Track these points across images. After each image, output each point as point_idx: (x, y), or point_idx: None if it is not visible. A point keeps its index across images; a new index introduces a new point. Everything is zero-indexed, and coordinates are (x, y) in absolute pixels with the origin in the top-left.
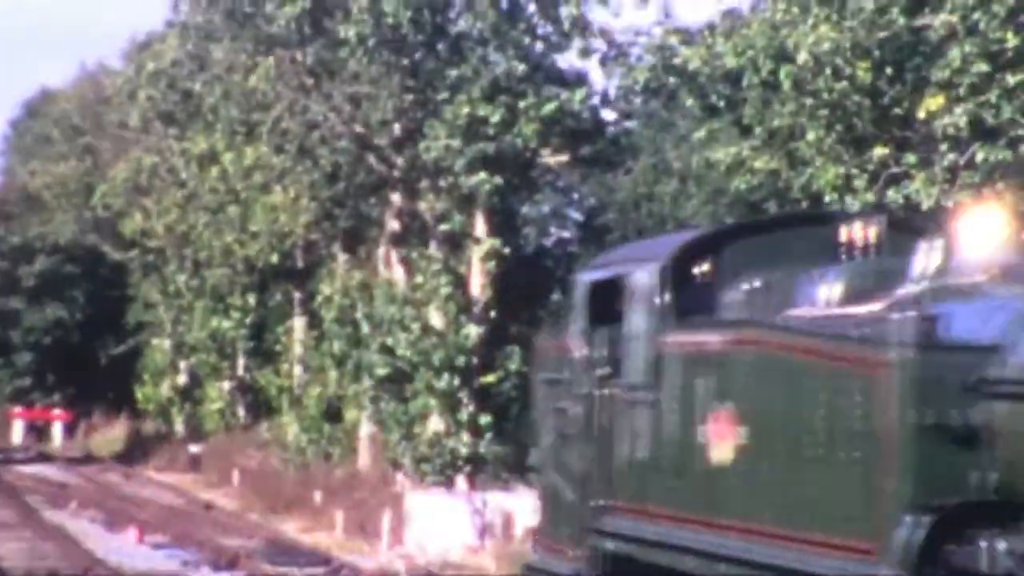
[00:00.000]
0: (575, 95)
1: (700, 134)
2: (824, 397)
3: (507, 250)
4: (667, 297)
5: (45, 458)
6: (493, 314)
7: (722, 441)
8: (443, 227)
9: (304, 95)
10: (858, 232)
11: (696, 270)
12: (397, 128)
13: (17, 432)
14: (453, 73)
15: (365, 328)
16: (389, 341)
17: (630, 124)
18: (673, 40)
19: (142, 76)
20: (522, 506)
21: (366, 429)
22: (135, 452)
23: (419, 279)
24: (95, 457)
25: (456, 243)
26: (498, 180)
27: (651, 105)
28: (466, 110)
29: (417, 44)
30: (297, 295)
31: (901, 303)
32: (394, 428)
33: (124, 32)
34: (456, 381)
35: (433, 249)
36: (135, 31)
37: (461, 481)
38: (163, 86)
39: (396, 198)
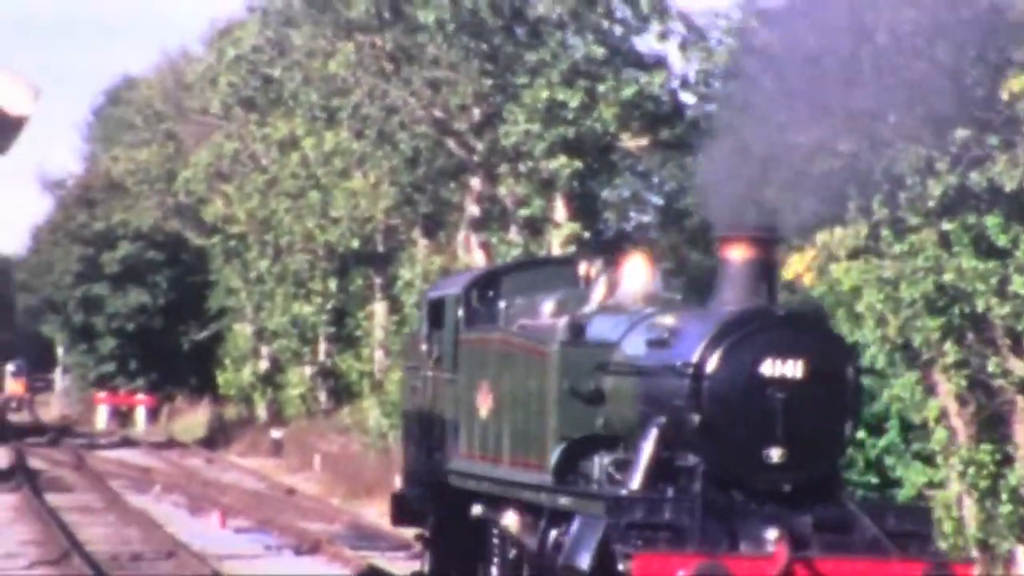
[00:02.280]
0: (654, 78)
1: (781, 117)
2: (522, 372)
3: (587, 234)
4: (461, 312)
5: (129, 443)
6: None
7: (484, 403)
8: (523, 212)
9: (384, 80)
10: (583, 269)
11: (482, 294)
12: (476, 113)
13: (101, 417)
14: (532, 57)
15: None
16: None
17: (709, 107)
18: (753, 22)
19: (223, 62)
20: None
21: None
22: (217, 437)
23: (498, 263)
24: (178, 442)
25: (536, 228)
26: (578, 164)
27: (731, 88)
28: (545, 94)
29: (496, 28)
30: (378, 280)
31: (572, 316)
32: None
33: (205, 18)
34: None
35: (513, 234)
36: (216, 17)
37: None
38: (244, 72)
39: (476, 183)
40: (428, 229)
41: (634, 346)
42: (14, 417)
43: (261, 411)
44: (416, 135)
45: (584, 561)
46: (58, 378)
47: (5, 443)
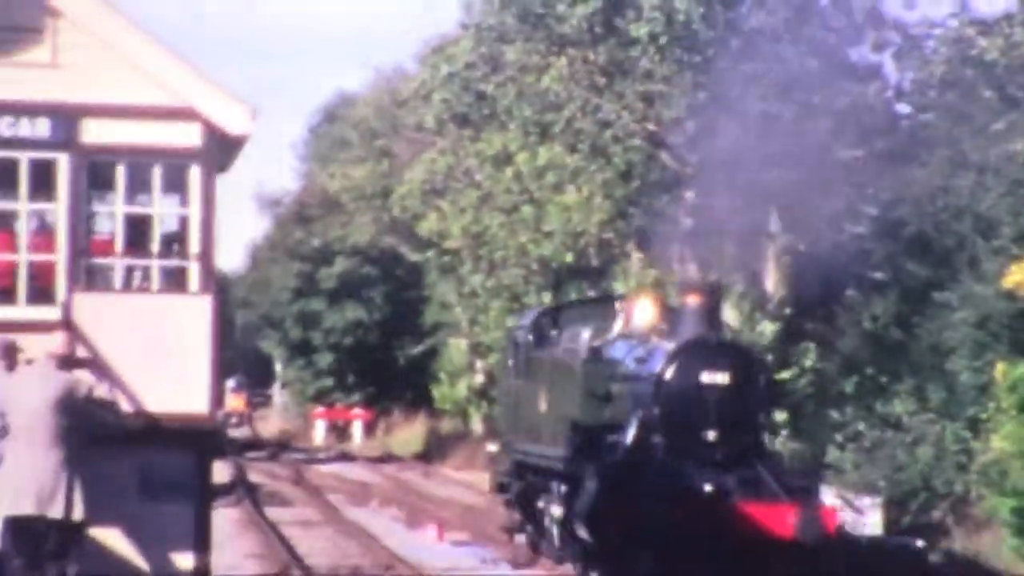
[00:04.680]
0: (869, 89)
1: (999, 126)
2: (561, 381)
3: (801, 246)
4: (530, 337)
5: (346, 457)
6: (788, 311)
7: (542, 402)
8: (737, 223)
9: (596, 94)
10: (619, 306)
11: (545, 324)
12: (690, 125)
13: (319, 432)
14: (745, 69)
15: None
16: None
17: (925, 117)
18: (969, 31)
19: (437, 79)
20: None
21: None
22: (433, 451)
23: (713, 276)
24: (394, 456)
25: (751, 239)
26: (792, 175)
27: (947, 97)
28: (759, 106)
29: (709, 41)
30: (592, 293)
31: (594, 342)
32: None
33: (418, 36)
34: None
35: (727, 246)
36: (429, 35)
37: None
38: (457, 88)
39: (690, 195)
40: (642, 242)
41: (629, 362)
42: (235, 432)
43: (477, 425)
44: (629, 148)
45: (585, 505)
46: (276, 393)
47: (226, 458)
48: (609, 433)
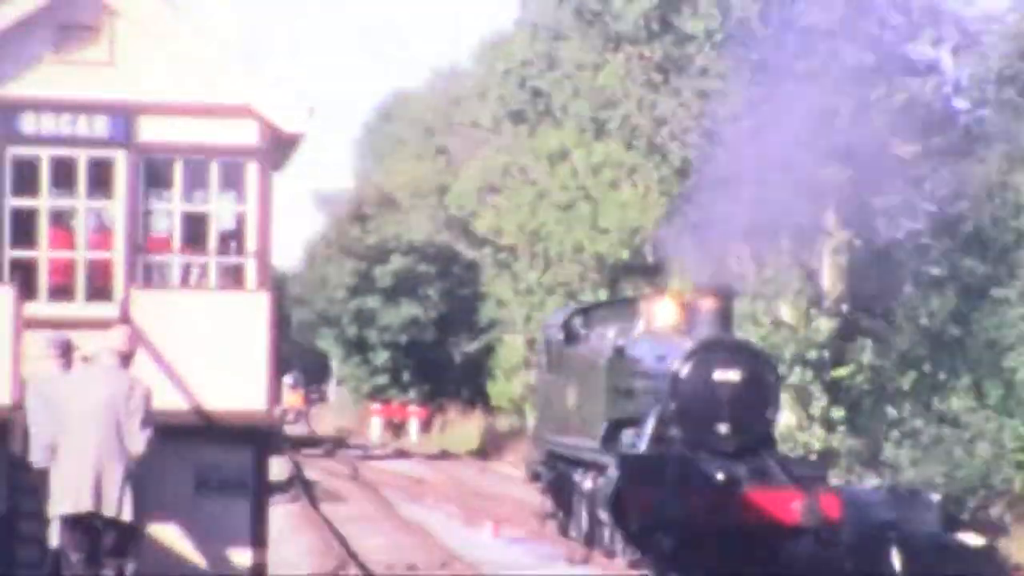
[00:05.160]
0: (926, 84)
1: None
2: (588, 377)
3: (858, 243)
4: (561, 335)
5: (402, 454)
6: (844, 307)
7: (571, 397)
8: (793, 220)
9: (652, 91)
10: (640, 307)
11: (575, 323)
12: (746, 121)
13: (375, 429)
14: (801, 65)
15: None
16: (740, 335)
17: (982, 112)
18: None
19: (493, 76)
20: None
21: None
22: (489, 448)
23: (769, 273)
24: (450, 453)
25: (807, 236)
26: (848, 172)
27: (1005, 92)
28: (815, 102)
29: (765, 37)
30: (648, 290)
31: (618, 341)
32: None
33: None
34: (808, 375)
35: (784, 242)
36: (485, 32)
37: None
38: (513, 85)
39: (746, 192)
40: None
41: (649, 360)
42: (291, 429)
43: (532, 421)
44: (686, 145)
45: (607, 492)
46: (332, 390)
47: (283, 454)
48: (631, 425)
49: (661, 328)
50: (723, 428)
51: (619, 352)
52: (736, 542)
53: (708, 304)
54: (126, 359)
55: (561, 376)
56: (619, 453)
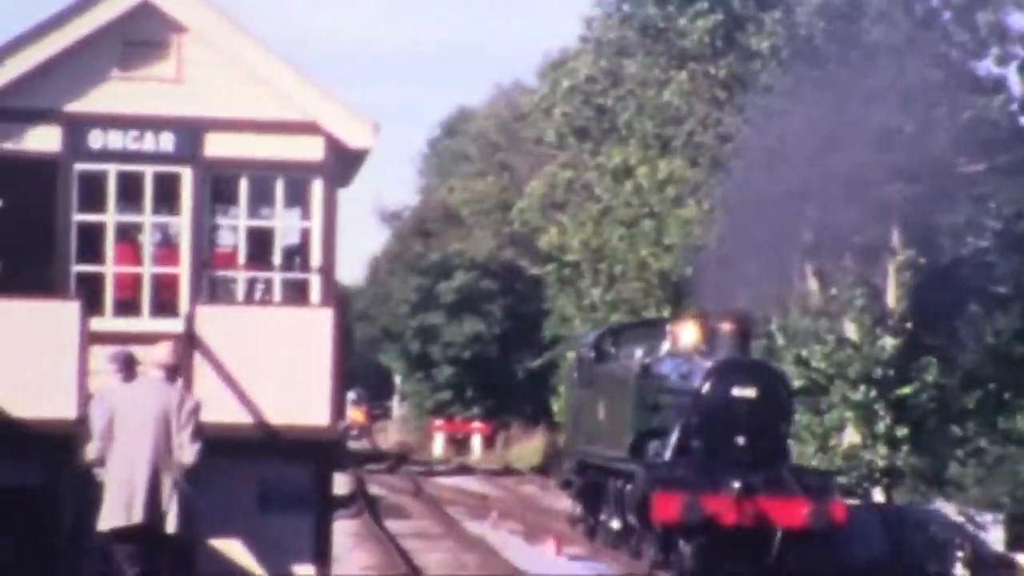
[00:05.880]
0: (992, 102)
1: None
2: (617, 392)
3: (923, 261)
4: (592, 354)
5: (465, 470)
6: (909, 325)
7: (601, 411)
8: (858, 238)
9: (717, 108)
10: (667, 329)
11: (606, 343)
12: (811, 139)
13: (438, 444)
14: (867, 83)
15: (780, 340)
16: (804, 353)
17: None
18: None
19: (557, 93)
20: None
21: None
22: (552, 464)
23: (833, 291)
24: (513, 469)
25: (871, 254)
26: (914, 189)
27: None
28: (880, 120)
29: (830, 54)
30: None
31: (645, 360)
32: (809, 440)
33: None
34: (872, 393)
35: (848, 260)
36: (549, 49)
37: (878, 493)
38: (577, 102)
39: (810, 209)
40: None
41: (674, 378)
42: (354, 444)
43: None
44: (750, 163)
45: (634, 497)
46: (396, 406)
47: (346, 470)
48: (656, 437)
49: (685, 348)
50: (741, 440)
51: (646, 370)
52: (751, 544)
53: (728, 327)
54: (172, 372)
55: (592, 391)
56: (645, 462)
